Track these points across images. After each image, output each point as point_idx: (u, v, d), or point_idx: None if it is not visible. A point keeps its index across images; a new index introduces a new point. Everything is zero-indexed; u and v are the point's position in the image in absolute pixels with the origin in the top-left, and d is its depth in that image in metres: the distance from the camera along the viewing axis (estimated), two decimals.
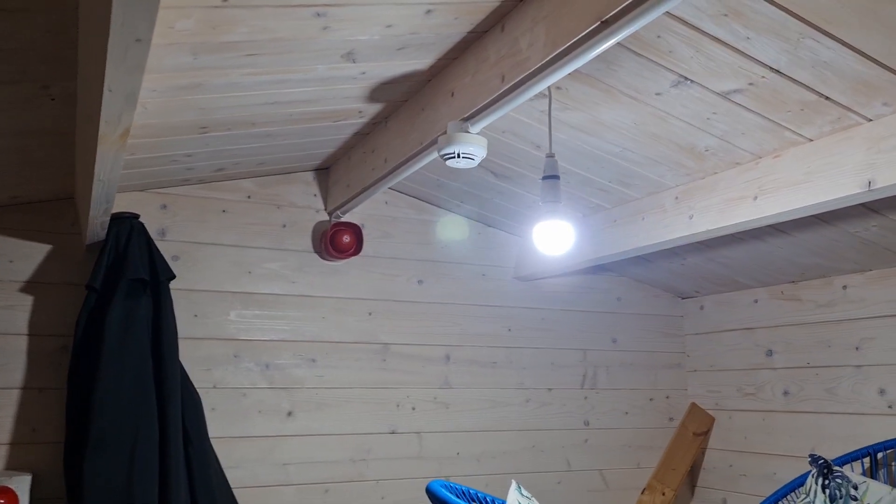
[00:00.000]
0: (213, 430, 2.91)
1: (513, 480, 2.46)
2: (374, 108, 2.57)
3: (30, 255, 2.82)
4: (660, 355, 3.92)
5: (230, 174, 3.08)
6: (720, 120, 2.31)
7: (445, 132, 2.19)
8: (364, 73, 2.22)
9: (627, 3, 1.55)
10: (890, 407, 3.01)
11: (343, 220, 3.27)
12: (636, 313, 3.90)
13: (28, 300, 2.81)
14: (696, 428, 3.82)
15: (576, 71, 1.92)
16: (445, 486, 2.09)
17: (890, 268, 3.03)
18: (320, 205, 3.31)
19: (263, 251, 3.19)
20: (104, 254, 2.75)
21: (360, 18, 1.86)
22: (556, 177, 2.22)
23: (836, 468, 2.78)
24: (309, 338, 3.21)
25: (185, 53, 1.84)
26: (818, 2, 1.71)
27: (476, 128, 2.15)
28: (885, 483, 2.79)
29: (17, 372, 2.76)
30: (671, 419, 3.89)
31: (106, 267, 2.75)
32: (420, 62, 2.22)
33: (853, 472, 2.83)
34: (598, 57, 1.78)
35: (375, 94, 2.43)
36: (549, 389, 3.64)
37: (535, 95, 2.03)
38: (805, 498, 2.81)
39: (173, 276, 2.84)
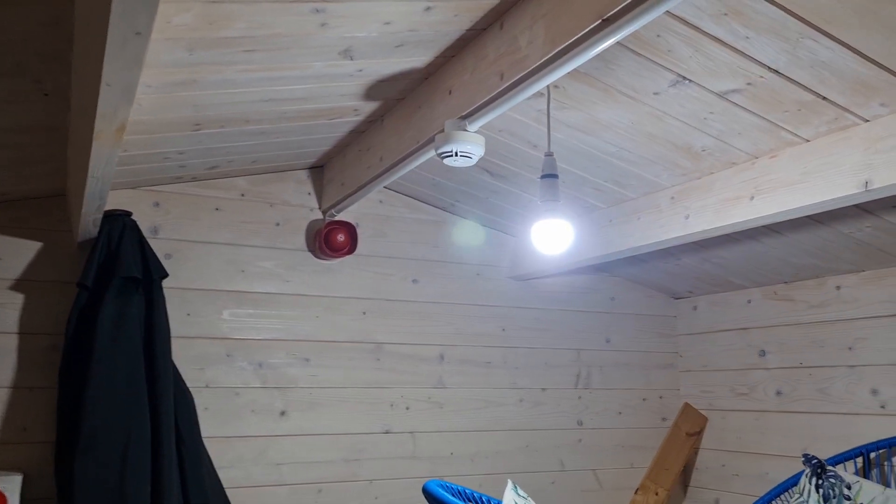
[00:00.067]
0: (205, 430, 2.89)
1: (509, 480, 2.45)
2: (370, 106, 2.56)
3: (20, 252, 2.80)
4: (653, 355, 3.92)
5: (223, 172, 3.06)
6: (717, 120, 2.30)
7: (443, 130, 2.18)
8: (361, 70, 2.21)
9: (629, 0, 1.54)
10: (883, 407, 3.02)
11: (337, 218, 3.26)
12: (630, 313, 3.90)
13: (18, 298, 2.78)
14: (690, 428, 3.82)
15: (574, 70, 1.91)
16: (442, 486, 2.08)
17: (883, 268, 3.04)
18: (314, 203, 3.30)
19: (257, 250, 3.17)
20: (96, 251, 2.73)
21: (359, 15, 1.85)
22: (554, 175, 2.21)
23: (830, 468, 2.79)
24: (302, 337, 3.20)
25: (182, 49, 1.82)
26: (819, 2, 1.71)
27: (474, 126, 2.14)
28: (878, 483, 2.80)
29: (6, 371, 2.73)
30: (664, 419, 3.89)
31: (98, 265, 2.72)
32: (418, 60, 2.21)
33: (846, 471, 2.83)
34: (597, 56, 1.77)
35: (372, 91, 2.41)
36: (543, 389, 3.64)
37: (533, 94, 2.02)
38: (798, 497, 2.81)
39: (166, 275, 2.82)
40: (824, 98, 2.06)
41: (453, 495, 2.06)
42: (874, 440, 2.96)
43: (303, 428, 3.14)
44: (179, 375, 2.83)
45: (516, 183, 3.08)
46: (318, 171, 3.31)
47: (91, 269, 2.70)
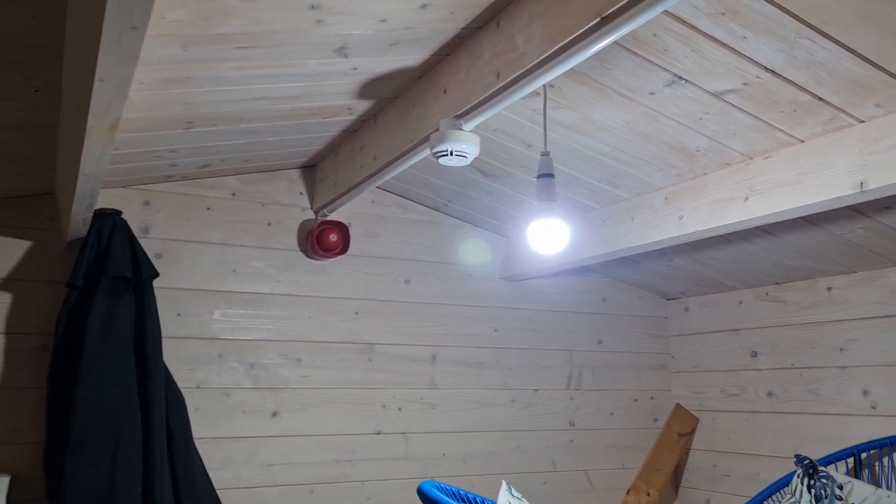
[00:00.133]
0: (196, 431, 2.86)
1: (503, 481, 2.44)
2: (363, 105, 2.54)
3: (8, 251, 2.76)
4: (644, 356, 3.92)
5: (215, 171, 3.03)
6: (712, 120, 2.30)
7: (437, 130, 2.16)
8: (356, 68, 2.19)
9: None
10: (874, 408, 3.02)
11: (329, 218, 3.24)
12: (621, 314, 3.90)
13: (6, 298, 2.75)
14: (681, 428, 3.82)
15: (570, 69, 1.90)
16: (437, 487, 2.06)
17: (875, 269, 3.05)
18: (306, 203, 3.28)
19: (248, 249, 3.14)
20: (85, 251, 2.70)
21: (355, 12, 1.83)
22: (551, 175, 2.20)
23: (822, 468, 2.79)
24: (294, 337, 3.18)
25: (175, 45, 1.80)
26: (817, 1, 1.70)
27: (469, 125, 2.13)
28: (870, 483, 2.80)
29: None
30: (655, 420, 3.89)
31: (87, 264, 2.69)
32: (412, 58, 2.20)
33: (837, 472, 2.84)
34: (593, 55, 1.76)
35: (366, 90, 2.40)
36: (535, 390, 3.63)
37: (528, 94, 2.01)
38: (790, 498, 2.81)
39: (157, 274, 2.80)
40: (820, 98, 2.06)
41: (448, 496, 2.04)
42: (865, 441, 2.97)
43: (294, 429, 3.12)
44: (170, 376, 2.80)
45: (509, 183, 3.07)
46: (310, 170, 3.29)
47: (81, 268, 2.67)
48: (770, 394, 3.45)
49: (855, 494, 2.68)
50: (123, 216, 2.82)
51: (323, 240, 3.18)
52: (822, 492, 2.72)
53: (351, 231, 3.29)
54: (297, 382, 3.16)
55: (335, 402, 3.22)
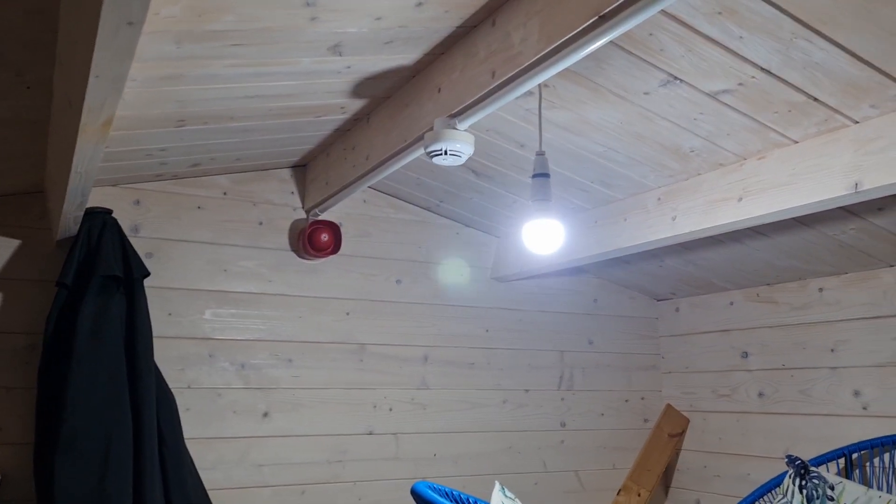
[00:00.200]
0: (187, 431, 2.84)
1: (496, 482, 2.43)
2: (356, 104, 2.53)
3: None
4: (635, 357, 3.92)
5: (205, 170, 3.01)
6: (706, 120, 2.30)
7: (431, 129, 2.15)
8: (349, 67, 2.18)
9: None
10: (865, 408, 3.03)
11: (321, 218, 3.22)
12: (612, 315, 3.90)
13: None
14: (671, 429, 3.82)
15: (564, 68, 1.89)
16: (430, 487, 2.05)
17: (866, 270, 3.06)
18: (297, 202, 3.26)
19: (239, 249, 3.13)
20: (76, 249, 2.67)
21: (350, 9, 1.82)
22: (546, 175, 2.19)
23: (813, 469, 2.79)
24: (285, 337, 3.16)
25: (169, 42, 1.78)
26: (814, 1, 1.70)
27: (464, 124, 2.12)
28: (861, 484, 2.81)
29: None
30: (646, 420, 3.89)
31: (77, 263, 2.67)
32: (406, 57, 2.19)
33: (828, 472, 2.84)
34: (588, 54, 1.76)
35: (359, 89, 2.38)
36: (526, 391, 3.62)
37: (522, 93, 2.00)
38: (782, 498, 2.82)
39: (147, 274, 2.77)
40: (815, 99, 2.06)
41: (441, 496, 2.03)
42: (856, 441, 2.98)
43: (285, 429, 3.11)
44: (161, 376, 2.78)
45: (502, 183, 3.07)
46: (301, 170, 3.28)
47: (71, 267, 2.65)
48: (761, 394, 3.45)
49: (846, 495, 2.68)
50: (114, 215, 2.79)
51: (314, 239, 3.16)
52: (814, 492, 2.72)
53: (342, 231, 3.27)
54: (289, 383, 3.14)
55: (326, 402, 3.20)
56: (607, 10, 1.59)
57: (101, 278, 2.65)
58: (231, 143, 2.72)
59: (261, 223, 3.17)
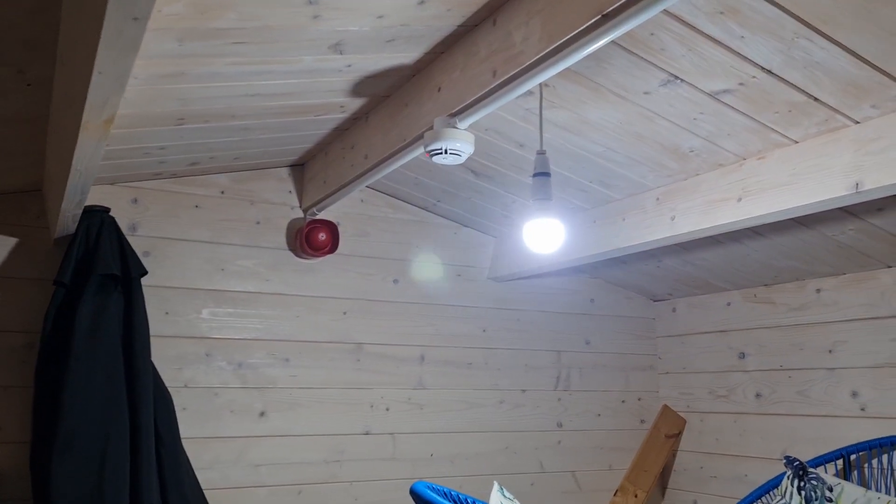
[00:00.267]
0: (183, 431, 2.83)
1: (495, 482, 2.43)
2: (356, 103, 2.53)
3: None
4: (632, 357, 3.93)
5: (204, 168, 3.01)
6: (706, 120, 2.30)
7: (431, 128, 2.15)
8: (350, 65, 2.18)
9: None
10: (863, 409, 3.04)
11: (319, 217, 3.22)
12: (609, 315, 3.90)
13: None
14: (668, 430, 3.82)
15: (564, 68, 1.89)
16: (429, 487, 2.05)
17: (864, 271, 3.06)
18: (295, 201, 3.25)
19: (237, 248, 3.12)
20: (73, 248, 2.66)
21: (353, 8, 1.81)
22: (547, 174, 2.19)
23: (811, 470, 2.80)
24: (282, 337, 3.15)
25: (171, 39, 1.77)
26: (816, 1, 1.71)
27: (464, 124, 2.11)
28: (859, 485, 2.81)
29: None
30: (643, 421, 3.89)
31: (75, 261, 2.66)
32: (407, 56, 2.18)
33: (826, 473, 2.85)
34: (589, 54, 1.75)
35: (359, 88, 2.38)
36: (523, 391, 3.62)
37: (522, 93, 2.00)
38: (781, 499, 2.82)
39: (145, 272, 2.76)
40: (816, 99, 2.06)
41: (440, 497, 2.03)
42: (854, 442, 2.98)
43: (282, 429, 3.10)
44: (158, 375, 2.77)
45: (501, 183, 3.06)
46: (299, 169, 3.27)
47: (69, 266, 2.64)
48: (758, 395, 3.46)
49: (845, 496, 2.69)
50: (111, 213, 2.78)
51: (312, 239, 3.15)
52: (813, 493, 2.72)
53: (340, 230, 3.27)
54: (286, 382, 3.13)
55: (323, 402, 3.19)
56: (610, 8, 1.59)
57: (99, 277, 2.64)
58: (230, 141, 2.72)
59: (258, 222, 3.17)
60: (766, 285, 3.45)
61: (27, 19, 1.53)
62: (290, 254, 3.21)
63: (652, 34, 1.95)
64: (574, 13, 1.69)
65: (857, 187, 2.07)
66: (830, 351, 3.17)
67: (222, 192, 3.12)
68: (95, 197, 2.84)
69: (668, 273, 3.59)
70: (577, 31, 1.69)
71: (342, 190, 2.88)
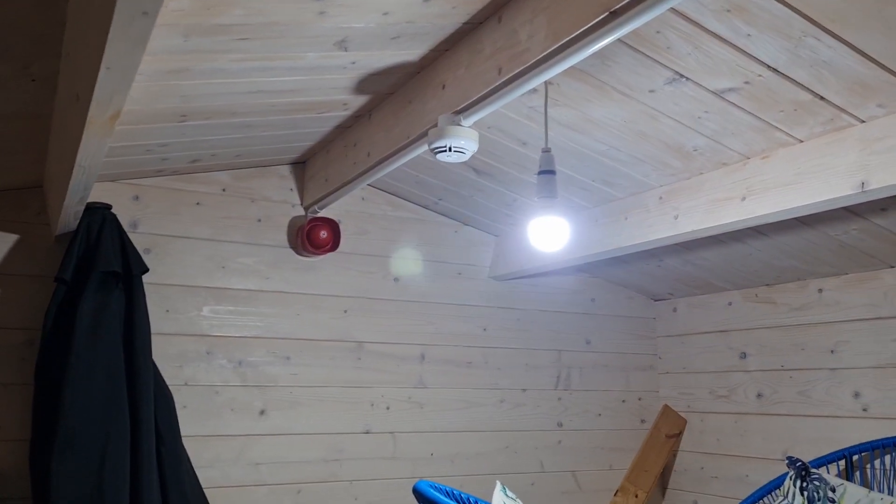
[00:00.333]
0: (184, 429, 2.81)
1: (497, 481, 2.42)
2: (359, 101, 2.52)
3: None
4: (632, 357, 3.92)
5: (205, 166, 3.00)
6: (711, 119, 2.29)
7: (435, 125, 2.14)
8: (354, 62, 2.17)
9: None
10: (865, 410, 3.03)
11: (320, 215, 3.21)
12: (610, 315, 3.89)
13: None
14: (669, 430, 3.82)
15: (569, 66, 1.89)
16: (432, 487, 2.04)
17: (867, 271, 3.06)
18: (296, 199, 3.24)
19: (238, 245, 3.11)
20: (75, 245, 2.65)
21: (358, 4, 1.80)
22: (552, 172, 2.18)
23: (814, 470, 2.79)
24: (283, 335, 3.14)
25: (177, 35, 1.76)
26: None
27: (468, 121, 2.11)
28: (861, 486, 2.81)
29: None
30: (643, 421, 3.88)
31: (77, 258, 2.64)
32: (412, 53, 2.17)
33: (828, 474, 2.84)
34: (594, 52, 1.75)
35: (363, 85, 2.37)
36: (524, 390, 3.62)
37: (526, 91, 1.99)
38: (783, 500, 2.81)
39: (146, 270, 2.75)
40: (822, 98, 2.06)
41: (443, 496, 2.02)
42: (856, 443, 2.98)
43: (282, 427, 3.09)
44: (159, 373, 2.76)
45: (502, 181, 3.06)
46: (300, 166, 3.26)
47: (70, 263, 2.63)
48: (759, 395, 3.45)
49: (848, 497, 2.68)
50: (112, 210, 2.77)
51: (313, 236, 3.15)
52: (815, 494, 2.72)
53: (341, 228, 3.26)
54: (286, 380, 3.12)
55: (324, 400, 3.18)
56: (618, 6, 1.58)
57: (100, 274, 2.62)
58: (232, 138, 2.71)
59: (259, 220, 3.16)
60: (767, 285, 3.45)
61: (33, 14, 1.52)
62: (291, 252, 3.20)
63: (658, 32, 1.94)
64: (581, 10, 1.68)
65: (862, 187, 2.07)
66: (832, 351, 3.17)
67: (223, 190, 3.11)
68: (96, 194, 2.82)
69: (669, 273, 3.59)
70: (583, 29, 1.68)
71: (344, 188, 2.87)
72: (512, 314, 3.65)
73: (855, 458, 2.94)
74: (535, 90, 2.32)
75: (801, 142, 2.28)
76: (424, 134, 2.24)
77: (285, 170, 3.23)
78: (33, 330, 2.69)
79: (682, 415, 3.84)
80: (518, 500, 2.38)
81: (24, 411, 2.64)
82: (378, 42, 2.05)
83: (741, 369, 3.55)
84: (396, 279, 3.40)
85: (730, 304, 3.63)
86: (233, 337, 3.05)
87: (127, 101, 2.03)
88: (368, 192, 3.39)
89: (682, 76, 2.11)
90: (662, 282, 3.74)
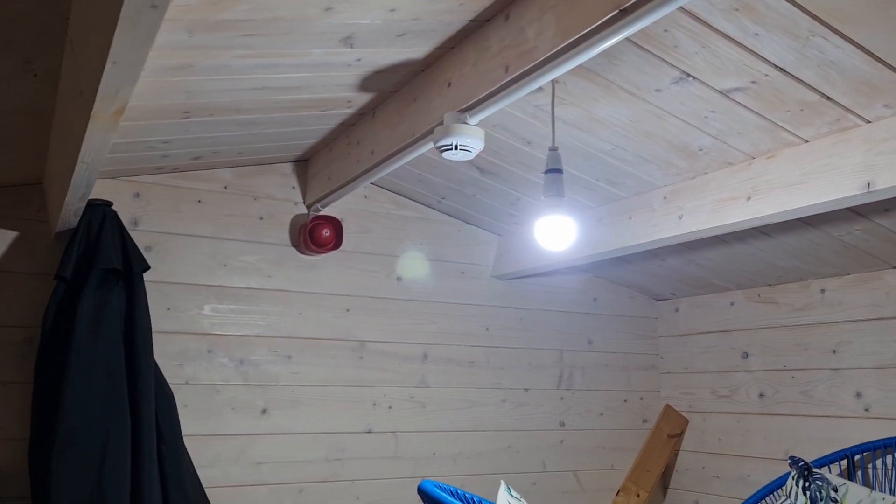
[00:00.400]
0: (185, 428, 2.80)
1: (502, 481, 2.41)
2: (363, 98, 2.50)
3: None
4: (634, 357, 3.91)
5: (207, 163, 2.98)
6: (717, 119, 2.28)
7: (441, 123, 2.13)
8: (359, 59, 2.16)
9: None
10: (867, 410, 3.03)
11: (322, 213, 3.19)
12: (612, 315, 3.88)
13: None
14: (670, 430, 3.81)
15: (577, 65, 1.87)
16: (438, 486, 2.03)
17: (869, 272, 3.05)
18: (298, 197, 3.23)
19: (239, 244, 3.09)
20: (75, 242, 2.63)
21: (365, 0, 1.79)
22: (559, 170, 2.17)
23: (816, 470, 2.78)
24: (285, 334, 3.13)
25: (181, 31, 1.75)
26: None
27: (475, 119, 2.10)
28: (863, 485, 2.80)
29: None
30: (645, 421, 3.87)
31: (77, 256, 2.63)
32: (417, 50, 2.16)
33: (830, 474, 2.83)
34: (602, 51, 1.74)
35: (367, 82, 2.36)
36: (526, 390, 3.61)
37: (532, 90, 1.98)
38: (786, 499, 2.81)
39: (147, 267, 2.74)
40: (828, 98, 2.05)
41: (448, 496, 2.01)
42: (857, 443, 2.97)
43: (284, 426, 3.08)
44: (160, 371, 2.74)
45: (506, 180, 3.04)
46: (303, 164, 3.25)
47: (70, 260, 2.61)
48: (761, 395, 3.45)
49: (850, 497, 2.68)
50: (113, 208, 2.75)
51: (316, 235, 3.13)
52: (818, 494, 2.71)
53: (343, 226, 3.24)
54: (288, 379, 3.11)
55: (325, 399, 3.17)
56: (628, 3, 1.57)
57: (100, 272, 2.61)
58: (235, 136, 2.69)
59: (261, 218, 3.14)
60: (769, 285, 3.44)
61: (36, 7, 1.51)
62: (293, 250, 3.19)
63: (666, 31, 1.93)
64: (590, 8, 1.67)
65: (868, 187, 2.06)
66: (834, 351, 3.16)
67: (225, 188, 3.09)
68: (96, 191, 2.80)
69: (672, 272, 3.58)
70: (593, 27, 1.67)
71: (347, 186, 2.86)
72: (514, 314, 3.64)
73: (857, 457, 2.93)
74: (541, 89, 2.30)
75: (807, 142, 2.27)
76: (430, 132, 2.22)
77: (287, 167, 3.22)
78: (33, 328, 2.67)
79: (684, 414, 3.83)
80: (522, 499, 2.37)
81: (23, 410, 2.63)
82: (384, 39, 2.04)
83: (743, 369, 3.55)
84: (399, 278, 3.39)
85: (732, 304, 3.62)
86: (234, 335, 3.04)
87: (131, 97, 2.03)
88: (371, 191, 3.38)
89: (688, 75, 2.10)
90: (665, 282, 3.73)
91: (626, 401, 3.85)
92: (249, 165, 3.13)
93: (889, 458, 2.86)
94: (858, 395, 3.06)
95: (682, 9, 1.84)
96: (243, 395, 3.02)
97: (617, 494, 3.69)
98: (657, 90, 2.20)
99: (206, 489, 2.80)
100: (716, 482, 3.63)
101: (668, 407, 3.87)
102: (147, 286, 2.76)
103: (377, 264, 3.35)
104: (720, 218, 2.50)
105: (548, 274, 3.71)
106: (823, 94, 2.05)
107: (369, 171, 2.67)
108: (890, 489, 2.83)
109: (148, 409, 2.59)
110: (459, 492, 2.20)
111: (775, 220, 2.39)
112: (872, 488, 2.81)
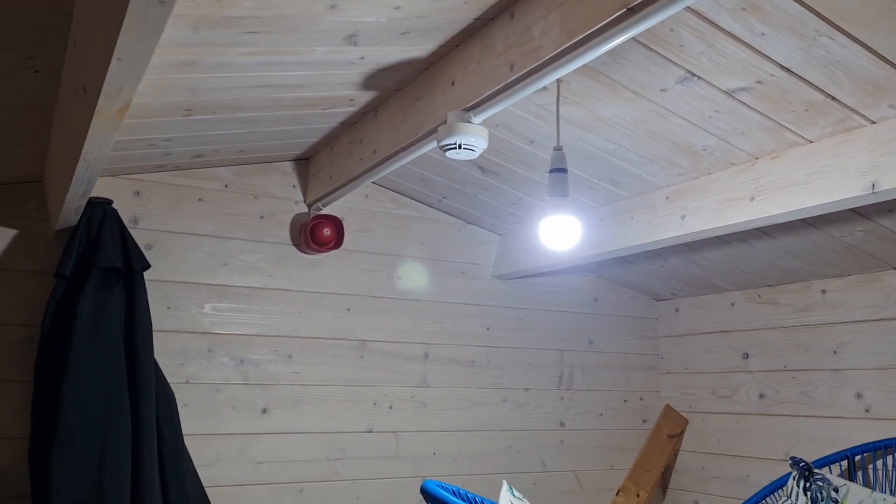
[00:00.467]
0: (185, 427, 2.79)
1: (504, 481, 2.40)
2: (366, 97, 2.49)
3: None
4: (634, 357, 3.91)
5: (208, 161, 2.97)
6: (721, 119, 2.28)
7: (444, 122, 2.12)
8: (363, 57, 2.15)
9: None
10: (867, 411, 3.02)
11: (323, 212, 3.18)
12: (612, 315, 3.88)
13: None
14: (670, 430, 3.81)
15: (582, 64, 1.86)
16: (441, 486, 2.03)
17: (870, 273, 3.05)
18: (299, 196, 3.22)
19: (240, 242, 3.08)
20: (75, 240, 2.62)
21: None
22: (563, 170, 2.16)
23: (817, 471, 2.78)
24: (285, 333, 3.12)
25: (186, 27, 1.74)
26: None
27: (479, 118, 2.09)
28: (864, 486, 2.80)
29: None
30: (645, 421, 3.87)
31: (77, 254, 2.61)
32: (421, 49, 2.15)
33: (831, 474, 2.83)
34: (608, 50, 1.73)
35: (371, 81, 2.35)
36: (526, 390, 3.60)
37: (538, 88, 1.97)
38: (787, 500, 2.80)
39: (148, 266, 2.73)
40: (833, 98, 2.04)
41: (451, 496, 2.01)
42: (858, 444, 2.97)
43: (284, 426, 3.06)
44: (160, 370, 2.73)
45: (508, 180, 3.04)
46: (303, 163, 3.23)
47: (70, 258, 2.60)
48: (762, 396, 3.44)
49: (851, 497, 2.67)
50: (113, 206, 2.74)
51: (317, 234, 3.12)
52: (819, 494, 2.71)
53: (344, 226, 3.23)
54: (288, 379, 3.10)
55: (326, 399, 3.16)
56: (635, 2, 1.56)
57: (100, 270, 2.60)
58: (236, 134, 2.68)
59: (262, 216, 3.13)
60: (770, 286, 3.44)
61: (37, 3, 1.50)
62: (294, 249, 3.18)
63: (672, 30, 1.93)
64: (596, 7, 1.66)
65: (873, 188, 2.05)
66: (835, 352, 3.16)
67: (226, 186, 3.08)
68: (96, 188, 2.79)
69: (672, 273, 3.57)
70: (599, 26, 1.66)
71: (349, 185, 2.85)
72: (515, 313, 3.63)
73: (857, 458, 2.93)
74: (545, 88, 2.30)
75: (812, 142, 2.26)
76: (433, 131, 2.22)
77: (288, 166, 3.21)
78: (32, 326, 2.66)
79: (684, 415, 3.83)
80: (525, 499, 2.36)
81: (23, 408, 2.61)
82: (388, 37, 2.03)
83: (743, 370, 3.54)
84: (400, 277, 3.38)
85: (732, 304, 3.62)
86: (235, 335, 3.02)
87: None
88: (372, 190, 3.37)
89: (694, 75, 2.09)
90: (665, 282, 3.72)
91: (626, 401, 3.84)
92: (250, 164, 3.12)
93: (890, 459, 2.86)
94: (859, 395, 3.06)
95: (688, 8, 1.83)
96: (244, 394, 3.01)
97: (617, 494, 3.69)
98: (662, 90, 2.20)
99: (206, 488, 2.78)
100: (715, 482, 3.62)
101: (668, 407, 3.86)
102: (147, 285, 2.75)
103: (378, 264, 3.34)
104: (723, 218, 2.50)
105: (549, 274, 3.70)
106: (829, 95, 2.04)
107: (371, 170, 2.66)
108: (891, 490, 2.83)
109: (148, 408, 2.57)
110: (462, 492, 2.19)
111: (779, 221, 2.39)
112: (873, 489, 2.81)
